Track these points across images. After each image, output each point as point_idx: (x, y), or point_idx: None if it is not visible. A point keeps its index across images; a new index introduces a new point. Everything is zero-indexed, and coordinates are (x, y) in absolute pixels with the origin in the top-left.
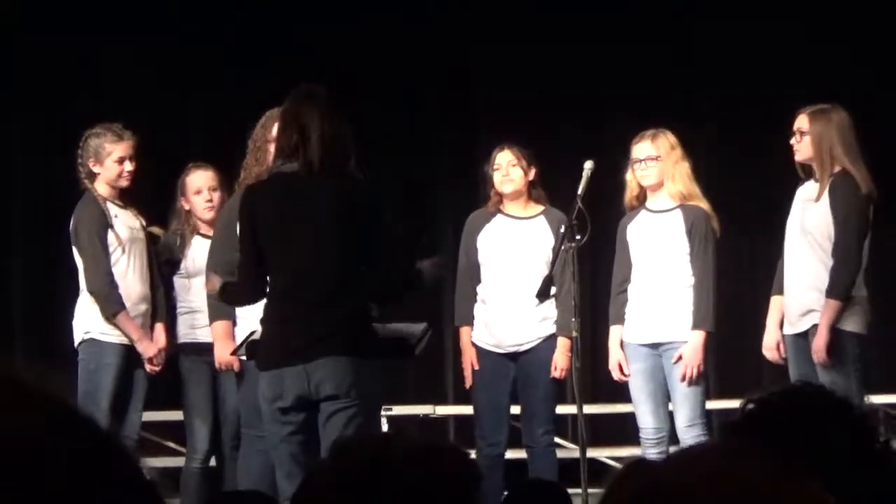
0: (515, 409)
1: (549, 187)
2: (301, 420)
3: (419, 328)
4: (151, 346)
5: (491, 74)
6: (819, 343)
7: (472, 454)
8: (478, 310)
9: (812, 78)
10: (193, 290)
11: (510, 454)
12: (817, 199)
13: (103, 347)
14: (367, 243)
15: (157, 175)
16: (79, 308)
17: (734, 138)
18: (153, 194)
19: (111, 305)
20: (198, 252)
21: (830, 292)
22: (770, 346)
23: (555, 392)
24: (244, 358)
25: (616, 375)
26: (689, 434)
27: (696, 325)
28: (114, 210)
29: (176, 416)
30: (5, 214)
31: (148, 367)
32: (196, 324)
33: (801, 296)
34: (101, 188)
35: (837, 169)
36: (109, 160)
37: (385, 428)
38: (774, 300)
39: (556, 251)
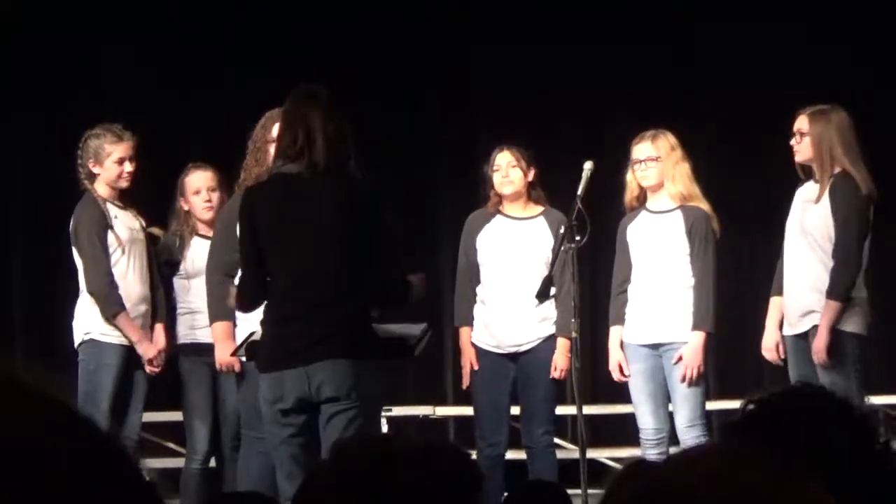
0: (515, 410)
1: (549, 187)
2: (301, 422)
3: (419, 329)
4: (151, 348)
5: (491, 74)
6: (819, 344)
7: (473, 455)
8: (477, 310)
9: (812, 78)
10: (193, 291)
11: (510, 455)
12: (817, 200)
13: (103, 348)
14: (368, 244)
15: (157, 175)
16: (79, 309)
17: (734, 138)
18: (153, 194)
19: (111, 306)
20: (197, 253)
21: (831, 293)
22: (769, 346)
23: (554, 392)
24: (244, 359)
25: (616, 376)
26: (689, 435)
27: (696, 326)
28: (114, 211)
29: (176, 416)
30: (5, 214)
31: (148, 368)
32: (196, 324)
33: (801, 297)
34: (101, 189)
35: (837, 170)
36: (109, 161)
37: (385, 429)
38: (774, 301)
39: (555, 252)
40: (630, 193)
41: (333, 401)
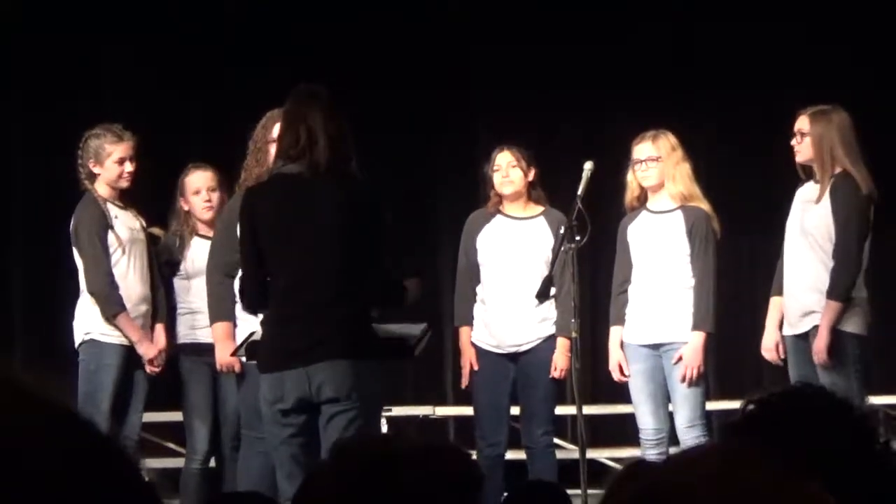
0: (515, 410)
1: (549, 188)
2: (302, 422)
3: (419, 329)
4: (151, 348)
5: (491, 74)
6: (820, 344)
7: (473, 455)
8: (477, 310)
9: (812, 78)
10: (193, 291)
11: (510, 455)
12: (818, 200)
13: (103, 348)
14: (368, 244)
15: (157, 175)
16: (79, 309)
17: (734, 138)
18: (153, 195)
19: (111, 306)
20: (197, 253)
21: (831, 293)
22: (769, 347)
23: (554, 393)
24: (244, 359)
25: (616, 376)
26: (689, 435)
27: (696, 326)
28: (114, 211)
29: (176, 416)
30: (5, 214)
31: (148, 368)
32: (196, 324)
33: (802, 297)
34: (102, 189)
35: (838, 170)
36: (109, 161)
37: (385, 429)
38: (773, 301)
39: (555, 252)
40: (630, 193)
41: (334, 401)
